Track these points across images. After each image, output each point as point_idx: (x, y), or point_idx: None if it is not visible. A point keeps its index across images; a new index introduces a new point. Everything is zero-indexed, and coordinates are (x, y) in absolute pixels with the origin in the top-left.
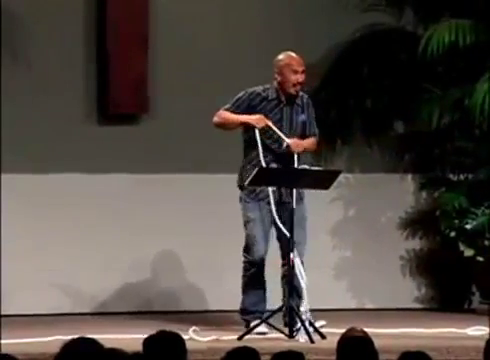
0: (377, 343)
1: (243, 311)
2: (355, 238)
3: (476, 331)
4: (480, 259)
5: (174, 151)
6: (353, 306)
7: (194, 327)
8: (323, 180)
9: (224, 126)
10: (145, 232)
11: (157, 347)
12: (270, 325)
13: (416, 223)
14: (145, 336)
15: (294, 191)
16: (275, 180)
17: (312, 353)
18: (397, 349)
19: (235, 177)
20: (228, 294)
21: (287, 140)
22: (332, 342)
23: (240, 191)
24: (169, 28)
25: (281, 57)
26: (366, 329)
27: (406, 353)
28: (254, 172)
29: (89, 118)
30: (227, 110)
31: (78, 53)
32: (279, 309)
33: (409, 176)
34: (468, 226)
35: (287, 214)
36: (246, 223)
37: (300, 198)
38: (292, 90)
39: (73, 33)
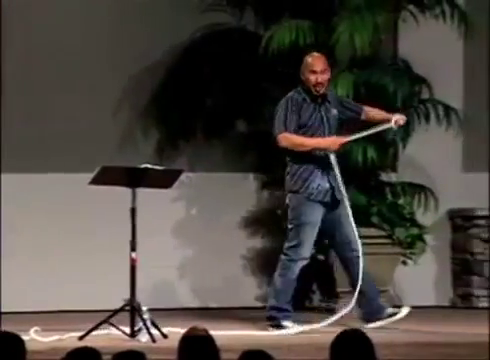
0: (219, 342)
1: (276, 308)
2: (198, 237)
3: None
4: (321, 257)
5: (14, 151)
6: (196, 305)
7: (36, 327)
8: (165, 179)
9: (295, 149)
10: None
11: None
12: (112, 325)
13: (258, 222)
14: None
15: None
16: (117, 179)
17: (153, 352)
18: (239, 348)
19: (76, 176)
20: (73, 294)
21: (388, 125)
22: (174, 341)
23: (290, 194)
24: (19, 30)
25: (305, 58)
26: (209, 328)
27: (247, 352)
28: (96, 171)
29: None
30: (288, 130)
31: None
32: (120, 309)
33: (251, 175)
34: None
35: (340, 213)
36: (299, 225)
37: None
38: (313, 90)
39: None
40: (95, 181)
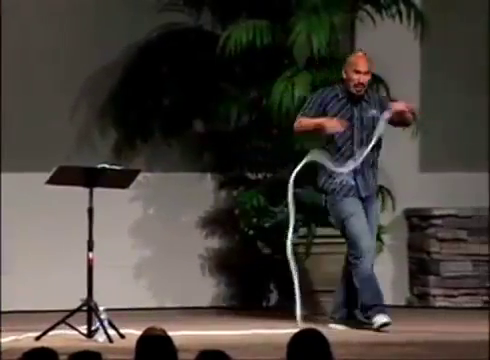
0: (176, 342)
1: (363, 306)
2: (155, 237)
3: (272, 330)
4: (278, 257)
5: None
6: (153, 305)
7: None
8: (122, 179)
9: (303, 132)
10: None
11: None
12: (69, 325)
13: (216, 222)
14: None
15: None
16: (74, 179)
17: (110, 353)
18: (196, 348)
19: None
20: (29, 294)
21: (388, 114)
22: (131, 341)
23: (324, 194)
24: None
25: (349, 56)
26: (166, 328)
27: (204, 352)
28: (53, 171)
29: None
30: (303, 115)
31: None
32: (78, 309)
33: (208, 175)
34: (266, 225)
35: (370, 208)
36: (344, 221)
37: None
38: (353, 89)
39: None
40: (52, 181)
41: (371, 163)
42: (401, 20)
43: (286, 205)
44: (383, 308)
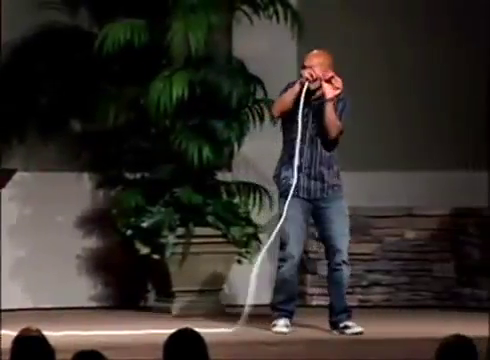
0: (53, 342)
1: (272, 307)
2: (31, 238)
3: (149, 330)
4: (156, 257)
5: None
6: (29, 306)
7: None
8: None
9: (285, 107)
10: None
11: None
12: None
13: (93, 222)
14: None
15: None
16: None
17: None
18: (72, 348)
19: None
20: None
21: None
22: (7, 342)
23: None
24: None
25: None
26: (42, 328)
27: (80, 352)
28: None
29: None
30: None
31: None
32: None
33: (86, 175)
34: (144, 224)
35: (322, 211)
36: (281, 223)
37: (333, 194)
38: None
39: None
40: None
41: (324, 162)
42: (278, 20)
43: (163, 205)
44: (290, 315)
